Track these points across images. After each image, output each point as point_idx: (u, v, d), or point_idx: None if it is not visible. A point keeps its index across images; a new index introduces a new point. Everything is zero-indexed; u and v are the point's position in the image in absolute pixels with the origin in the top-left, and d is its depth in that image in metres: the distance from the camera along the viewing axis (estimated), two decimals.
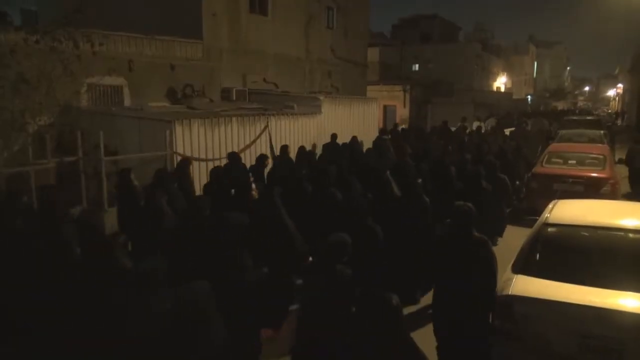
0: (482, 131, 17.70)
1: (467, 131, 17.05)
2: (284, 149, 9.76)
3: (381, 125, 20.10)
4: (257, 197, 6.47)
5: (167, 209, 5.53)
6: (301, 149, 10.32)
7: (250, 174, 8.52)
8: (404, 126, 20.32)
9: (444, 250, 4.45)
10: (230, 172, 7.76)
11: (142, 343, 2.93)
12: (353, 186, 6.84)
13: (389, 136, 14.53)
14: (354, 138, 12.07)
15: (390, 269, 5.07)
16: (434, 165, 8.63)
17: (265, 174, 8.71)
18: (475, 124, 20.01)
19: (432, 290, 4.66)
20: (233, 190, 6.71)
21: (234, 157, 8.64)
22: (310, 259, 5.38)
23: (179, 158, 8.68)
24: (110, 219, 7.29)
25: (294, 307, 5.12)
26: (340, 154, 10.35)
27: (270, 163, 9.27)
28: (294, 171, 8.13)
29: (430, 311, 4.79)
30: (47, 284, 3.66)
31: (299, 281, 5.23)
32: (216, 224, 4.41)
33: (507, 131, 18.25)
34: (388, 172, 7.21)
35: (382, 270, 4.87)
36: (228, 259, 4.01)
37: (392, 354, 2.80)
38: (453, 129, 16.93)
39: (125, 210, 6.43)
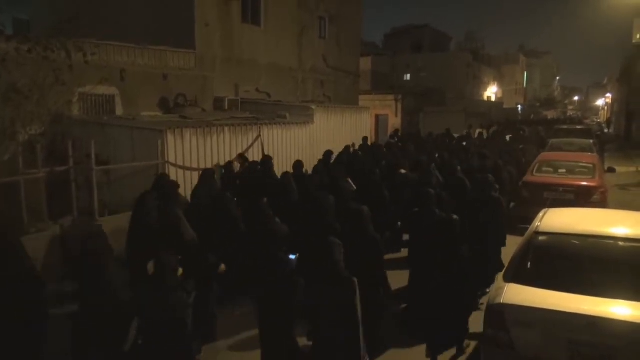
0: (484, 137, 19.99)
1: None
2: (347, 149, 12.21)
3: (374, 135, 22.06)
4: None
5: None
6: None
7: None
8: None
9: (473, 206, 6.77)
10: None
11: None
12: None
13: (395, 139, 17.39)
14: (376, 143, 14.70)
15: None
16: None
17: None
18: (477, 131, 21.93)
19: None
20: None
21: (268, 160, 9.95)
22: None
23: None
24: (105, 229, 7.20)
25: None
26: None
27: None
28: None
29: None
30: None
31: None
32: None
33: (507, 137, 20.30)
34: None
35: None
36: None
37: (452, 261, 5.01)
38: (456, 135, 18.96)
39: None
